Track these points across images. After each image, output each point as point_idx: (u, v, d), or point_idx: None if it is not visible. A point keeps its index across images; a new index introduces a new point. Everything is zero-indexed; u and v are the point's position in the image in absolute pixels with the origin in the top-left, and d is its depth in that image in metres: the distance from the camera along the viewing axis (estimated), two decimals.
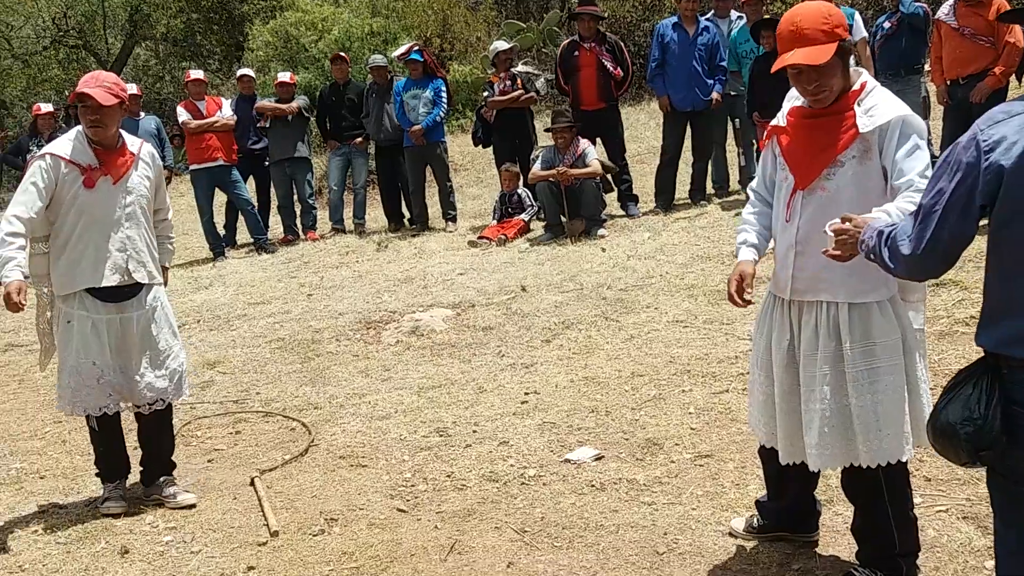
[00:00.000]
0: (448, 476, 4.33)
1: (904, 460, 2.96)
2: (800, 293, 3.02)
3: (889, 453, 2.93)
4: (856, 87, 2.96)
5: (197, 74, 10.80)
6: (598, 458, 4.32)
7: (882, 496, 3.01)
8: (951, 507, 3.53)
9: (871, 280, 2.88)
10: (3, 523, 4.24)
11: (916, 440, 2.94)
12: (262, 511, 4.13)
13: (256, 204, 10.89)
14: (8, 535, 4.10)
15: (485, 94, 10.24)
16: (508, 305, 6.92)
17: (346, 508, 4.11)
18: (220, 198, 10.64)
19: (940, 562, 3.19)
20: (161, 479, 4.41)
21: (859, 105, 2.92)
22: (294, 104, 10.53)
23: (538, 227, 9.47)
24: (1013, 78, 7.47)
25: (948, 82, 7.41)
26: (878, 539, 3.08)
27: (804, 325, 3.02)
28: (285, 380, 5.99)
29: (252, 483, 4.43)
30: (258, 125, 10.63)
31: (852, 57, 3.07)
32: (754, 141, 9.00)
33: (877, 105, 2.91)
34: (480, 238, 9.27)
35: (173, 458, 4.49)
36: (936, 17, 7.58)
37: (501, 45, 10.17)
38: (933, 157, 7.25)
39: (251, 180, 11.00)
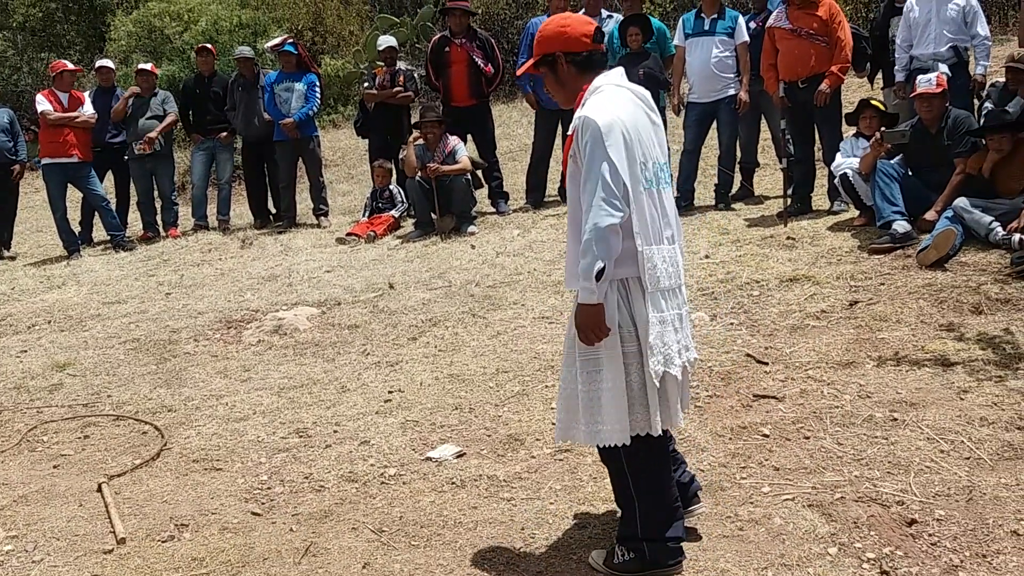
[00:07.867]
0: (306, 478, 4.23)
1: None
2: None
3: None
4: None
5: (69, 64, 10.25)
6: (460, 455, 4.30)
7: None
8: (797, 495, 3.63)
9: None
10: None
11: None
12: (109, 518, 3.95)
13: (114, 200, 10.46)
14: None
15: (365, 85, 10.10)
16: (375, 303, 6.83)
17: (198, 513, 3.97)
18: (76, 194, 10.18)
19: (786, 549, 3.27)
20: None
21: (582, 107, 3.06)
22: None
23: (408, 224, 9.39)
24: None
25: (785, 84, 7.68)
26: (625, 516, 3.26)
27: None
28: (139, 382, 5.76)
29: (99, 489, 4.25)
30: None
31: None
32: None
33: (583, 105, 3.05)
34: (349, 235, 9.13)
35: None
36: (768, 25, 7.79)
37: (390, 40, 10.05)
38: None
39: (109, 175, 10.55)
